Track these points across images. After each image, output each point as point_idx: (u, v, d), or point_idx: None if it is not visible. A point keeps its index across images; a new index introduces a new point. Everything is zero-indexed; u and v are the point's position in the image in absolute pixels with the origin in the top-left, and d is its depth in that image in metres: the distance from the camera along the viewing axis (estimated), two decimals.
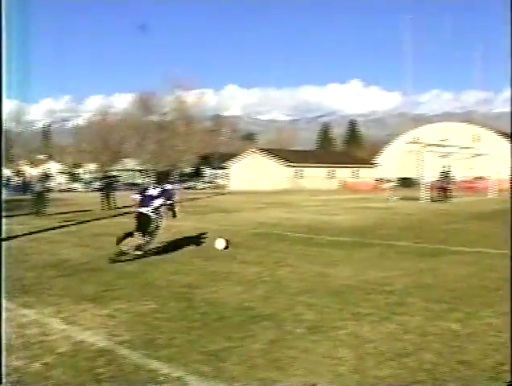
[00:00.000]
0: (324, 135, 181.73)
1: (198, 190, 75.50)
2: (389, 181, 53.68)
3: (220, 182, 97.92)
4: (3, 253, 6.56)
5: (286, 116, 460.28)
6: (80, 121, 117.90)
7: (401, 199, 40.72)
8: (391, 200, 39.83)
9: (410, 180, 62.08)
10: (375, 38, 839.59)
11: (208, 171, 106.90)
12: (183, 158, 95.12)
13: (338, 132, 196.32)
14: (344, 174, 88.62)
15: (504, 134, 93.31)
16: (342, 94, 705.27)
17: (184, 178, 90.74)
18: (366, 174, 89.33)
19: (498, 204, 33.09)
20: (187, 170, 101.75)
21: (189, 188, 77.54)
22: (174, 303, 8.17)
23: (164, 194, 12.79)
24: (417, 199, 38.57)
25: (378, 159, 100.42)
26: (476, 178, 63.65)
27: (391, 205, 34.29)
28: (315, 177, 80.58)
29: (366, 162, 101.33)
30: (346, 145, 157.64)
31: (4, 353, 5.59)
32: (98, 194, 34.60)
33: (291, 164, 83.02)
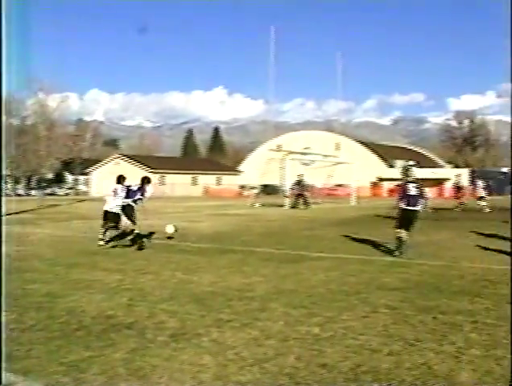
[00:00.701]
0: (188, 142, 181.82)
1: (59, 197, 73.45)
2: (252, 188, 54.30)
3: (82, 188, 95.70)
4: None
5: (151, 122, 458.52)
6: None
7: (264, 205, 41.28)
8: (254, 207, 40.30)
9: (273, 187, 63.07)
10: (240, 46, 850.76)
11: (69, 177, 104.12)
12: (45, 163, 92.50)
13: (202, 138, 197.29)
14: (207, 180, 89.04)
15: (363, 143, 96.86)
16: (206, 101, 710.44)
17: (45, 183, 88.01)
18: (230, 181, 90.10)
19: (357, 211, 34.26)
20: (49, 175, 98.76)
21: (50, 194, 75.29)
22: (33, 313, 7.89)
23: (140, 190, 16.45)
24: (280, 205, 39.20)
25: (242, 166, 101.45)
26: (337, 186, 65.70)
27: (254, 212, 34.69)
28: (179, 183, 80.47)
29: (230, 168, 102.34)
30: (210, 152, 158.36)
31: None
32: None
33: (155, 170, 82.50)
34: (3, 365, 5.43)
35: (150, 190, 16.94)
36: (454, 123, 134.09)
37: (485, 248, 15.02)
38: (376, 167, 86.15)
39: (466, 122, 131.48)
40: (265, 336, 6.72)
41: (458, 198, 36.69)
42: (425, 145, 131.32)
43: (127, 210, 16.02)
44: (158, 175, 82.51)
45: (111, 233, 16.41)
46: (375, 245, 15.85)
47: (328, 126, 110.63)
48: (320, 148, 60.34)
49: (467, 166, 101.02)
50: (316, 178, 52.63)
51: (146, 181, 16.96)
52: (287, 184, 42.18)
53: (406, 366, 5.65)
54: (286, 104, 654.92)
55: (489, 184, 36.77)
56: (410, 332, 6.87)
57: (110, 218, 16.30)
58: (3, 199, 28.51)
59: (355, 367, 5.61)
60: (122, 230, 16.26)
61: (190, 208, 39.58)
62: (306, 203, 38.71)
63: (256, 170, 59.72)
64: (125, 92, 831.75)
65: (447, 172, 79.60)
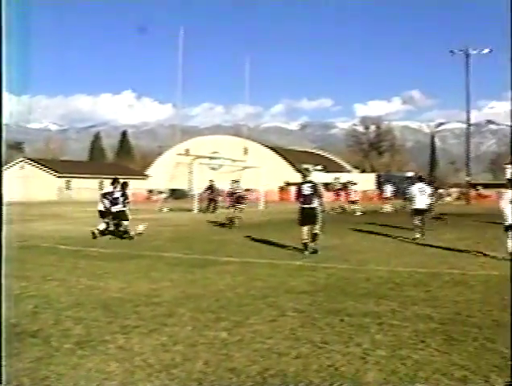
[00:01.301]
0: (95, 145, 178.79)
1: None
2: (160, 192, 53.84)
3: None
4: None
5: (57, 125, 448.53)
6: None
7: (172, 210, 41.04)
8: (163, 211, 40.03)
9: (181, 191, 62.74)
10: (148, 49, 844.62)
11: None
12: None
13: (109, 142, 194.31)
14: None
15: (271, 148, 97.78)
16: (114, 104, 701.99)
17: None
18: (137, 186, 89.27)
19: (265, 215, 34.53)
20: None
21: None
22: None
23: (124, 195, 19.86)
24: (189, 210, 39.12)
25: (149, 170, 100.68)
26: (245, 190, 65.98)
27: (162, 216, 34.47)
28: (86, 188, 79.13)
29: (138, 173, 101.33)
30: (117, 156, 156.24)
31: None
32: None
33: (61, 175, 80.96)
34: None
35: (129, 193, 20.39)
36: (361, 128, 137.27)
37: (421, 244, 15.44)
38: (284, 172, 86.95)
39: (372, 128, 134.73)
40: (172, 342, 6.67)
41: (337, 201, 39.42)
42: (332, 150, 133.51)
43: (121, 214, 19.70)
44: (63, 180, 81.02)
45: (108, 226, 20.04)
46: (283, 249, 16.01)
47: (237, 131, 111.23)
48: (228, 152, 60.64)
49: (373, 170, 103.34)
50: (224, 182, 52.70)
51: (125, 185, 20.28)
52: (195, 188, 42.11)
53: (314, 368, 5.72)
54: (195, 108, 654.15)
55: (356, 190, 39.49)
56: (317, 335, 6.95)
57: (106, 215, 20.31)
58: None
59: (263, 371, 5.63)
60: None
61: (97, 213, 38.91)
62: (215, 208, 38.88)
63: (164, 174, 59.23)
64: (31, 94, 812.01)
65: (354, 177, 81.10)
